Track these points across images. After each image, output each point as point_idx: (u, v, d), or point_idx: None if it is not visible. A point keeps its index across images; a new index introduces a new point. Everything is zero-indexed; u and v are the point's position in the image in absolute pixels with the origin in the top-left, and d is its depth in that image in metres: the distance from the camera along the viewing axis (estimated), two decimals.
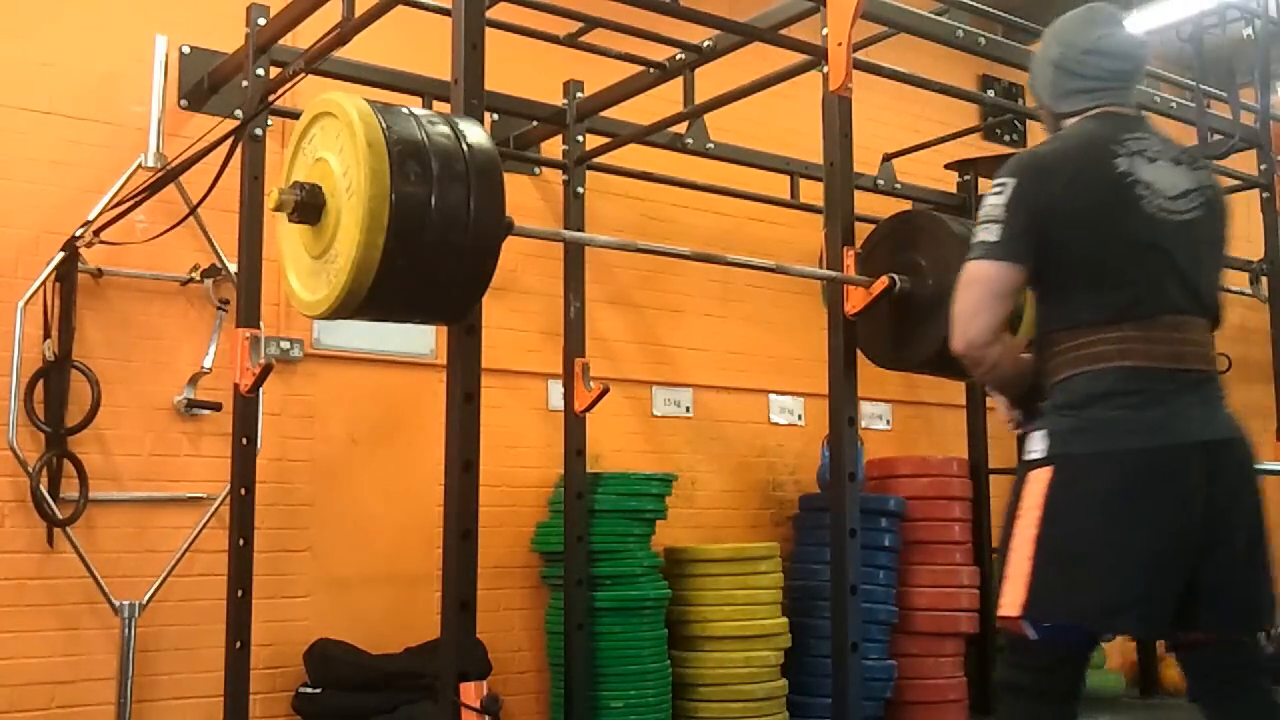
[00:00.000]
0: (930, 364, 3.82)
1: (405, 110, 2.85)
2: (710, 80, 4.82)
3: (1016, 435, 2.71)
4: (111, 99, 4.63)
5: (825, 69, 3.78)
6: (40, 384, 4.32)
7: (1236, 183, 6.16)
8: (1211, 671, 2.55)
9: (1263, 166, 5.90)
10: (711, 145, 5.60)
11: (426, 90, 4.64)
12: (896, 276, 3.65)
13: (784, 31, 4.31)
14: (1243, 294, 7.37)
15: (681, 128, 5.35)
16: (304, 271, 2.97)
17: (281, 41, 4.38)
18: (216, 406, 4.60)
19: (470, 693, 2.88)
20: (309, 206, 2.85)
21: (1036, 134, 7.43)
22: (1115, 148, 2.50)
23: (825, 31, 3.78)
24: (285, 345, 4.85)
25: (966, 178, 6.64)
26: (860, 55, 4.16)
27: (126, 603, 4.37)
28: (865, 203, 4.49)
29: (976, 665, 5.77)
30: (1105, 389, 2.43)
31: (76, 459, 4.35)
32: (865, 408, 6.25)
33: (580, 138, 5.31)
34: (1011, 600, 2.43)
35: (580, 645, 4.97)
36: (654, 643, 5.08)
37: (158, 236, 4.34)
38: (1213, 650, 2.53)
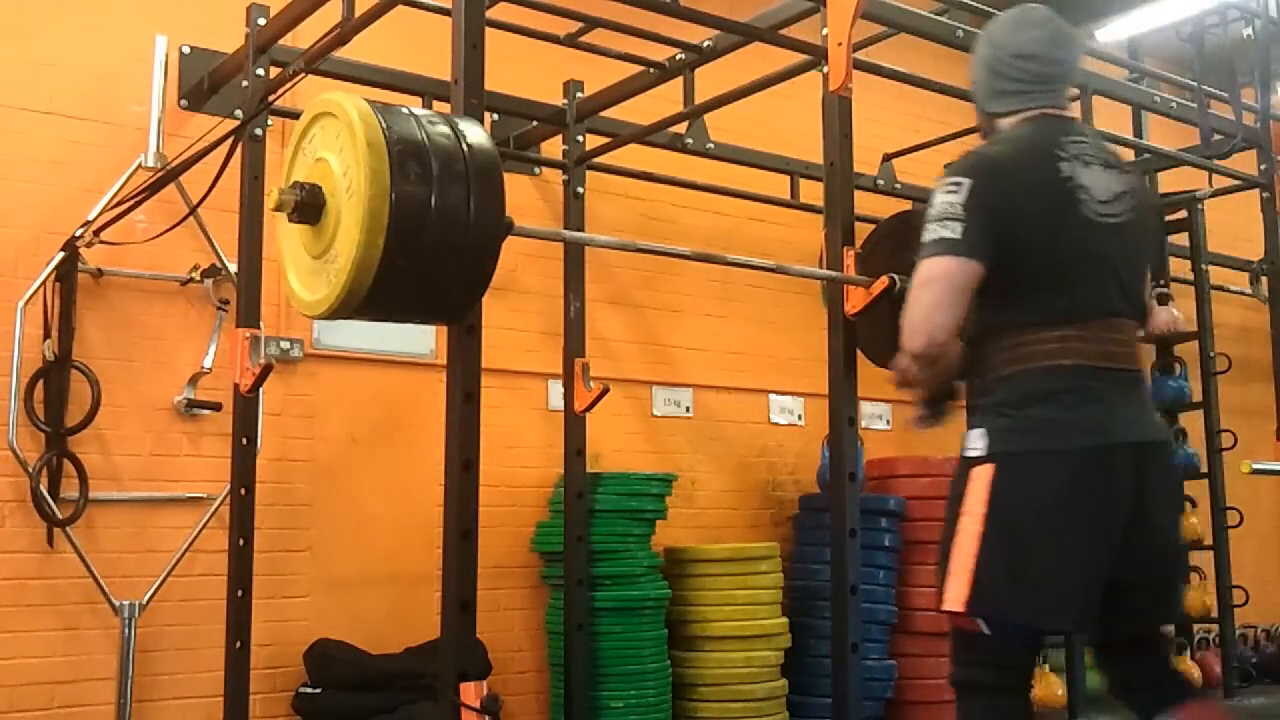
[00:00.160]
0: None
1: (405, 110, 2.84)
2: (710, 80, 4.82)
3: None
4: (111, 99, 4.63)
5: (825, 69, 3.78)
6: (40, 384, 4.32)
7: (1237, 183, 6.16)
8: (1134, 668, 2.61)
9: (1263, 166, 5.90)
10: (711, 145, 5.61)
11: (426, 90, 4.64)
12: (896, 276, 3.64)
13: (784, 31, 4.32)
14: (1243, 294, 7.39)
15: (681, 128, 5.35)
16: (304, 271, 2.97)
17: (281, 41, 4.38)
18: (216, 406, 4.60)
19: (470, 693, 2.88)
20: (309, 206, 2.84)
21: None
22: (1058, 151, 2.56)
23: (825, 31, 3.78)
24: (285, 345, 4.85)
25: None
26: (860, 55, 4.17)
27: (126, 603, 4.37)
28: (865, 203, 4.49)
29: None
30: (1045, 388, 2.48)
31: (76, 459, 4.35)
32: (865, 408, 6.25)
33: (580, 138, 5.31)
34: (955, 595, 2.47)
35: (580, 645, 4.97)
36: (654, 643, 5.08)
37: (158, 236, 4.34)
38: (1133, 648, 2.59)
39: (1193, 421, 6.90)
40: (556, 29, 4.78)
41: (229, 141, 3.96)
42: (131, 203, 4.19)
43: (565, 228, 5.26)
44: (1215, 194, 6.61)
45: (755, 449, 6.11)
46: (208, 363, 4.64)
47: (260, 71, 4.32)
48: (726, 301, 6.14)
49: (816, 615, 5.32)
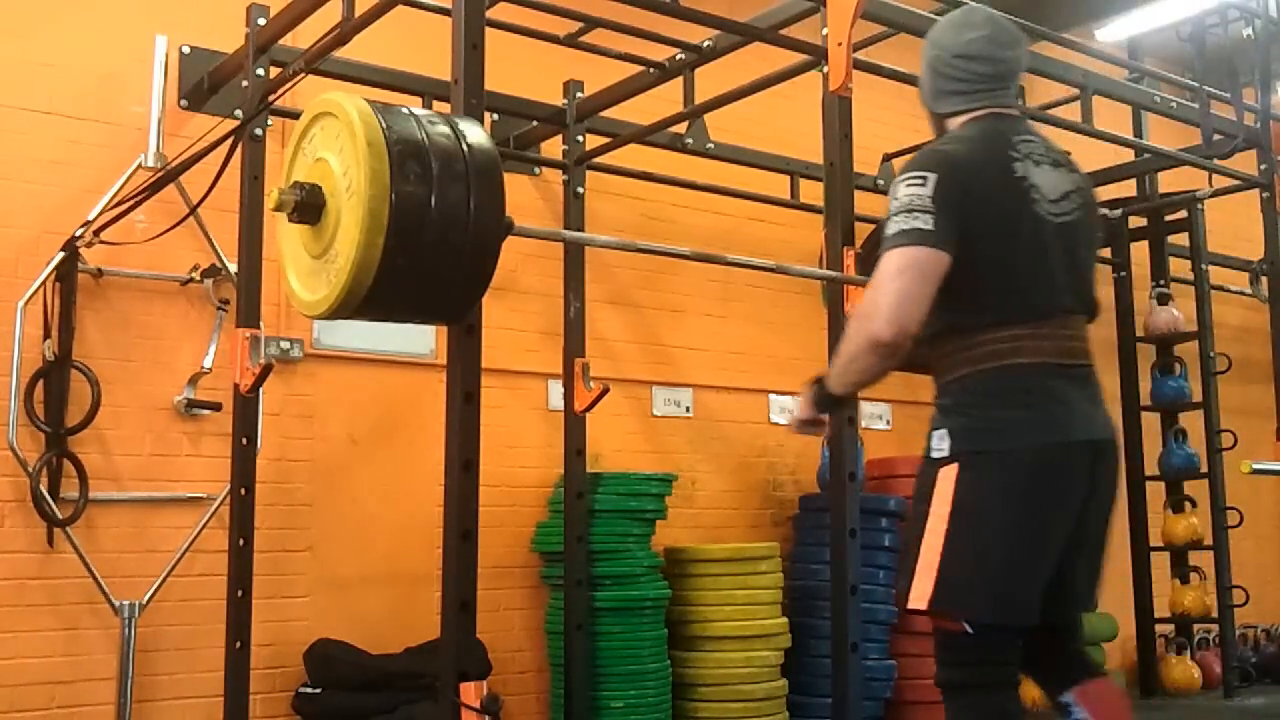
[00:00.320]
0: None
1: (405, 110, 2.84)
2: (710, 80, 4.82)
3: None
4: (111, 99, 4.63)
5: (825, 69, 3.78)
6: (40, 384, 4.32)
7: (1237, 183, 6.16)
8: (1049, 648, 2.64)
9: (1263, 166, 5.90)
10: (711, 145, 5.61)
11: (426, 90, 4.65)
12: None
13: (784, 31, 4.32)
14: (1243, 294, 7.39)
15: (681, 128, 5.36)
16: (304, 271, 2.97)
17: (281, 41, 4.39)
18: (216, 406, 4.60)
19: (470, 693, 2.88)
20: (309, 206, 2.84)
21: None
22: (1011, 151, 2.58)
23: (825, 31, 3.78)
24: (285, 345, 4.85)
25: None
26: (860, 55, 4.17)
27: (126, 603, 4.37)
28: (865, 203, 4.49)
29: None
30: (1006, 386, 2.51)
31: (76, 459, 4.35)
32: (865, 408, 6.25)
33: (580, 138, 5.31)
34: (920, 594, 2.49)
35: (580, 645, 4.97)
36: (654, 643, 5.08)
37: (158, 236, 4.34)
38: (1054, 631, 2.62)
39: (1193, 421, 6.90)
40: (556, 29, 4.78)
41: (229, 141, 3.96)
42: (131, 203, 4.19)
43: (565, 228, 5.26)
44: (1215, 194, 6.61)
45: (755, 449, 6.11)
46: (208, 363, 4.64)
47: (260, 71, 4.32)
48: (726, 301, 6.14)
49: (816, 615, 5.32)
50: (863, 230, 3.86)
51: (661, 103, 5.07)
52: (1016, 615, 2.48)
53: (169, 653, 4.50)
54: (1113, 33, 7.48)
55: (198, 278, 4.66)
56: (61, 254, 4.34)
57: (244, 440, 4.32)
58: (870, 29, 4.79)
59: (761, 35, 4.38)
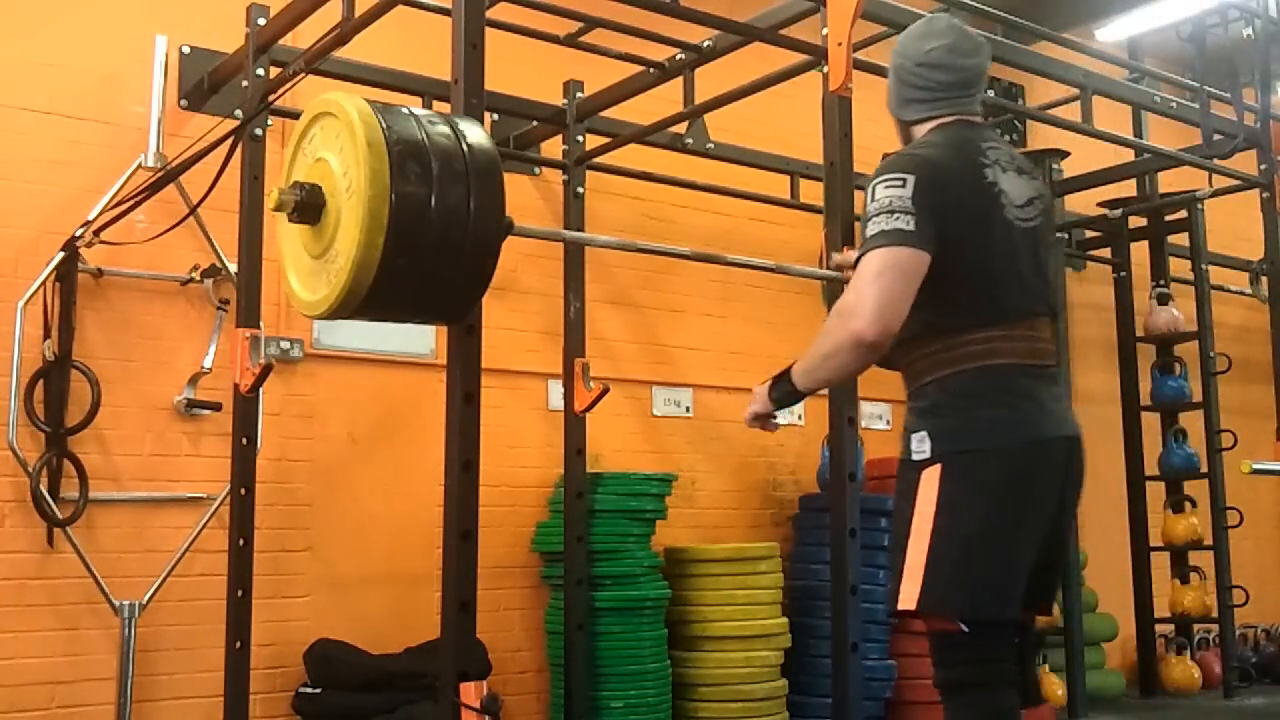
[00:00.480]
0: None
1: (405, 110, 2.84)
2: (710, 80, 4.82)
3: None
4: (111, 99, 4.63)
5: (825, 69, 3.78)
6: (40, 384, 4.32)
7: (1237, 183, 6.16)
8: (1023, 671, 2.77)
9: (1263, 166, 5.90)
10: (711, 145, 5.61)
11: (426, 90, 4.65)
12: None
13: (784, 31, 4.32)
14: (1243, 294, 7.39)
15: (681, 128, 5.36)
16: (304, 271, 2.97)
17: (281, 41, 4.39)
18: (216, 406, 4.60)
19: (470, 693, 2.88)
20: (309, 206, 2.84)
21: (1036, 134, 7.43)
22: (981, 157, 2.63)
23: (825, 31, 3.78)
24: (285, 345, 4.85)
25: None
26: (860, 55, 4.16)
27: (126, 603, 4.37)
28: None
29: None
30: (982, 387, 2.55)
31: (76, 459, 4.35)
32: (865, 408, 6.25)
33: (580, 138, 5.31)
34: (909, 595, 2.51)
35: (580, 645, 4.97)
36: (654, 643, 5.08)
37: (158, 236, 4.34)
38: (1022, 641, 2.75)
39: (1193, 421, 6.90)
40: (556, 29, 4.78)
41: (229, 141, 3.96)
42: (131, 203, 4.19)
43: (565, 228, 5.26)
44: (1215, 194, 6.62)
45: (755, 449, 6.11)
46: (208, 363, 4.64)
47: (260, 71, 4.32)
48: (726, 301, 6.14)
49: (816, 615, 5.32)
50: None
51: (661, 103, 5.07)
52: (1000, 611, 2.51)
53: (169, 653, 4.50)
54: (1113, 33, 7.48)
55: (198, 278, 4.66)
56: (61, 254, 4.34)
57: (244, 440, 4.31)
58: (870, 29, 4.79)
59: (761, 35, 4.38)
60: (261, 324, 4.33)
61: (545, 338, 5.40)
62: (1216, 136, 5.77)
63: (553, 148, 5.46)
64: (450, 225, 2.74)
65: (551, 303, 5.31)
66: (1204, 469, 6.77)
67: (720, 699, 5.14)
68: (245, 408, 4.34)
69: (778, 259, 3.98)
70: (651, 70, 4.91)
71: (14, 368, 4.28)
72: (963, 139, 2.67)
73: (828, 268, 3.52)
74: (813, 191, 5.59)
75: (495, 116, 5.25)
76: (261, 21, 4.31)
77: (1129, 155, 7.10)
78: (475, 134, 2.87)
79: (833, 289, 3.76)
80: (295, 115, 4.10)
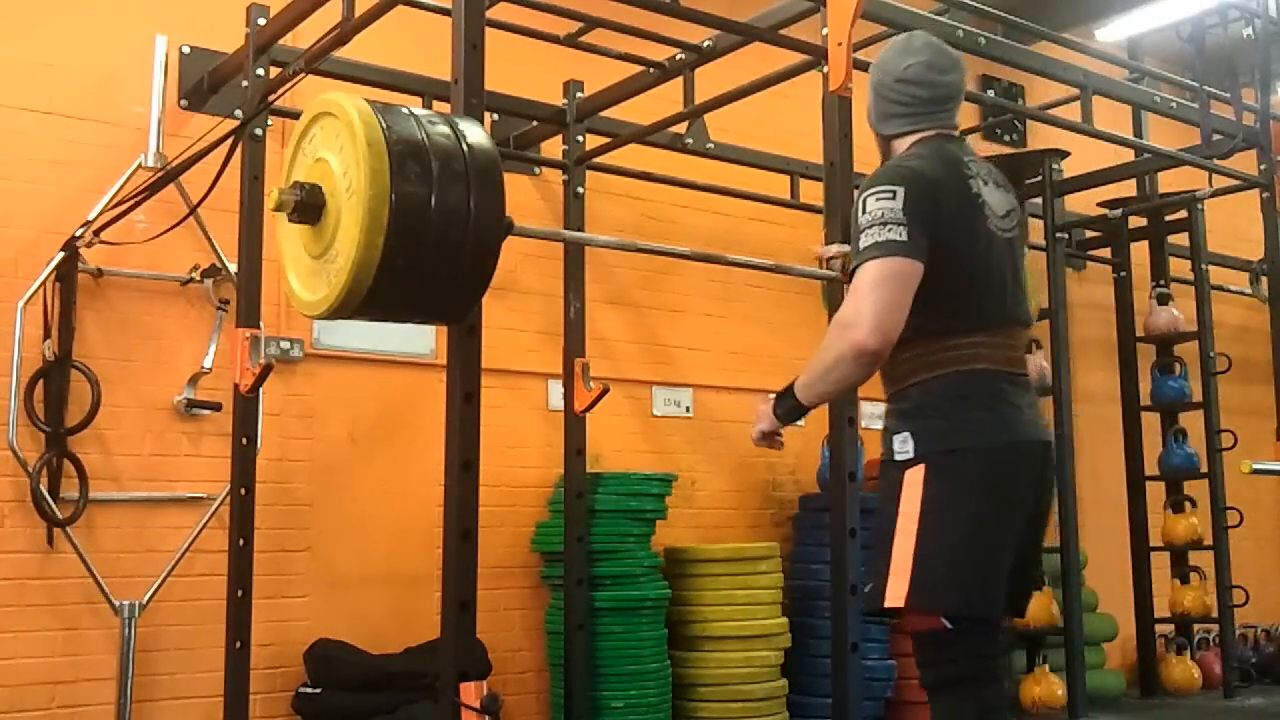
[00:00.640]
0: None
1: (405, 110, 2.85)
2: (710, 80, 4.82)
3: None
4: (111, 99, 4.63)
5: (825, 69, 3.78)
6: (40, 384, 4.32)
7: (1237, 183, 6.16)
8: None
9: (1263, 166, 5.90)
10: (711, 145, 5.61)
11: (426, 90, 4.65)
12: None
13: (784, 31, 4.32)
14: (1243, 294, 7.39)
15: (681, 128, 5.35)
16: (304, 271, 2.97)
17: (281, 41, 4.39)
18: (216, 406, 4.60)
19: (470, 693, 2.88)
20: (309, 206, 2.84)
21: (1036, 134, 7.43)
22: (964, 170, 2.70)
23: (825, 31, 3.78)
24: (285, 345, 4.85)
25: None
26: (860, 55, 4.16)
27: (126, 603, 4.37)
28: None
29: None
30: (964, 390, 2.61)
31: (76, 459, 4.35)
32: (865, 408, 6.24)
33: (580, 138, 5.31)
34: (896, 593, 2.55)
35: (580, 645, 4.97)
36: (654, 643, 5.08)
37: (158, 236, 4.34)
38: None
39: (1193, 421, 6.90)
40: (556, 29, 4.78)
41: (229, 141, 3.96)
42: (131, 203, 4.19)
43: (565, 228, 5.26)
44: (1215, 194, 6.62)
45: (755, 449, 6.05)
46: (208, 363, 4.64)
47: (260, 71, 4.32)
48: (726, 301, 6.14)
49: (816, 615, 5.32)
50: None
51: (661, 103, 5.07)
52: (987, 608, 2.57)
53: (169, 653, 4.50)
54: (1113, 33, 7.47)
55: (198, 278, 4.66)
56: (61, 254, 4.34)
57: (244, 440, 4.32)
58: (870, 29, 4.79)
59: (761, 35, 4.38)
60: (261, 324, 4.33)
61: (545, 338, 5.39)
62: (1216, 136, 5.77)
63: (553, 148, 5.46)
64: (450, 225, 2.74)
65: (551, 303, 5.31)
66: (1204, 469, 6.77)
67: (720, 699, 5.14)
68: (245, 408, 4.34)
69: (778, 259, 3.98)
70: (651, 70, 4.91)
71: (14, 368, 4.28)
72: (946, 152, 2.73)
73: (824, 267, 3.53)
74: (813, 191, 5.60)
75: (495, 116, 5.25)
76: (261, 21, 4.32)
77: (1129, 155, 7.10)
78: (475, 134, 2.87)
79: (833, 289, 3.77)
80: (295, 115, 4.10)
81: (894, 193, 2.56)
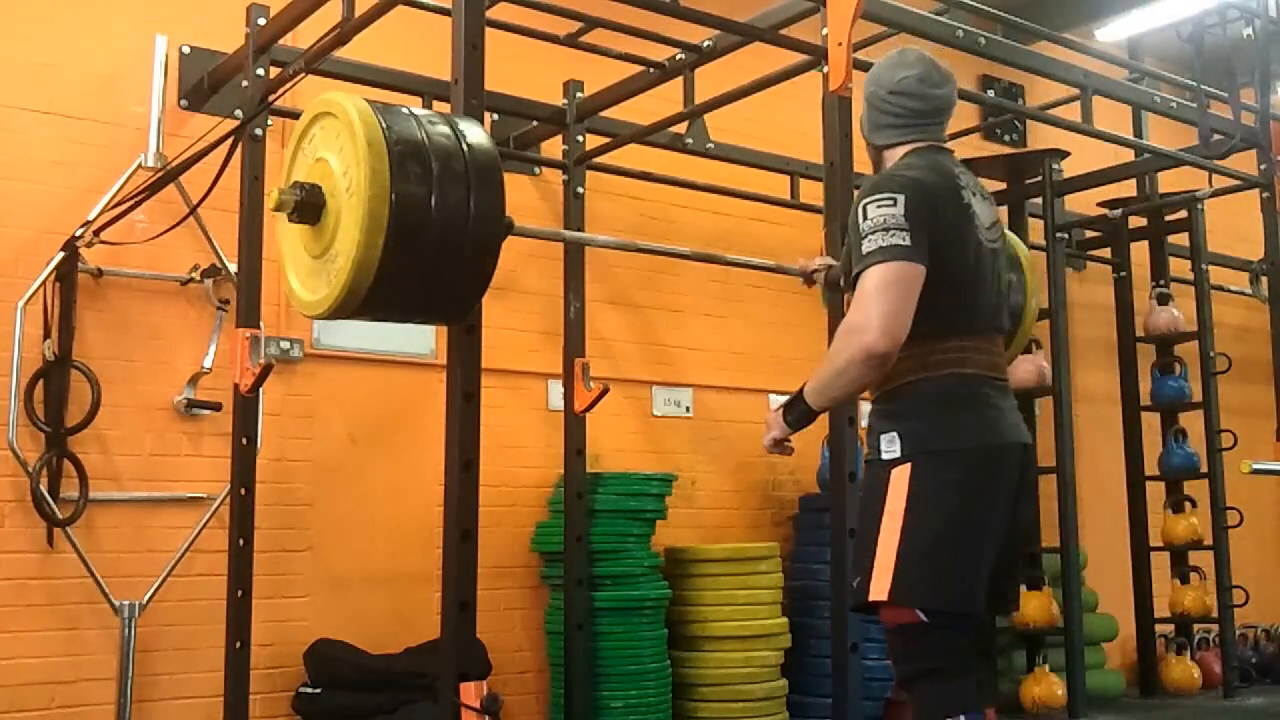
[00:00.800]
0: None
1: (405, 110, 2.85)
2: (710, 80, 4.82)
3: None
4: (111, 99, 4.63)
5: (825, 69, 3.78)
6: (40, 384, 4.32)
7: (1237, 183, 6.16)
8: (983, 670, 2.79)
9: (1263, 166, 5.90)
10: (711, 145, 5.61)
11: (426, 90, 4.65)
12: None
13: (784, 31, 4.32)
14: (1243, 294, 7.39)
15: (681, 128, 5.35)
16: (304, 271, 2.97)
17: (281, 41, 4.39)
18: (216, 406, 4.60)
19: (470, 693, 2.88)
20: (309, 206, 2.85)
21: (1036, 134, 7.43)
22: (956, 181, 2.77)
23: (825, 31, 3.78)
24: (285, 345, 4.85)
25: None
26: (860, 55, 4.16)
27: (126, 603, 4.37)
28: None
29: None
30: (950, 393, 2.69)
31: (76, 459, 4.35)
32: (865, 407, 6.24)
33: (580, 138, 5.31)
34: (880, 587, 2.62)
35: (580, 645, 4.97)
36: (654, 643, 5.08)
37: (158, 236, 4.34)
38: (981, 641, 2.79)
39: (1193, 421, 6.90)
40: (556, 29, 4.78)
41: (229, 141, 3.96)
42: (131, 203, 4.19)
43: (565, 228, 5.26)
44: (1215, 194, 6.61)
45: (755, 449, 6.05)
46: (208, 363, 4.64)
47: (260, 71, 4.32)
48: (726, 301, 6.14)
49: (816, 615, 5.32)
50: None
51: (661, 103, 5.07)
52: (969, 603, 2.63)
53: (169, 653, 4.50)
54: (1113, 33, 7.48)
55: (198, 278, 4.66)
56: (61, 254, 4.34)
57: (244, 440, 4.32)
58: (870, 29, 4.79)
59: (761, 35, 4.38)
60: (261, 324, 4.34)
61: (545, 338, 5.40)
62: (1215, 136, 5.77)
63: (553, 148, 5.46)
64: (450, 225, 2.74)
65: (551, 303, 5.31)
66: (1204, 469, 6.77)
67: (720, 699, 5.14)
68: (245, 408, 4.34)
69: (778, 259, 3.99)
70: (651, 70, 4.91)
71: (14, 368, 4.28)
72: (939, 163, 2.80)
73: (809, 279, 3.57)
74: (813, 191, 5.59)
75: (495, 116, 5.25)
76: (261, 21, 4.32)
77: (1129, 155, 7.10)
78: (475, 134, 2.87)
79: (833, 295, 3.77)
80: (295, 115, 4.10)
81: (895, 199, 2.63)
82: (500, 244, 2.85)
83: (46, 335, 4.31)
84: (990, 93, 7.10)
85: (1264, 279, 6.05)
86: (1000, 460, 2.69)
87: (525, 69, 4.96)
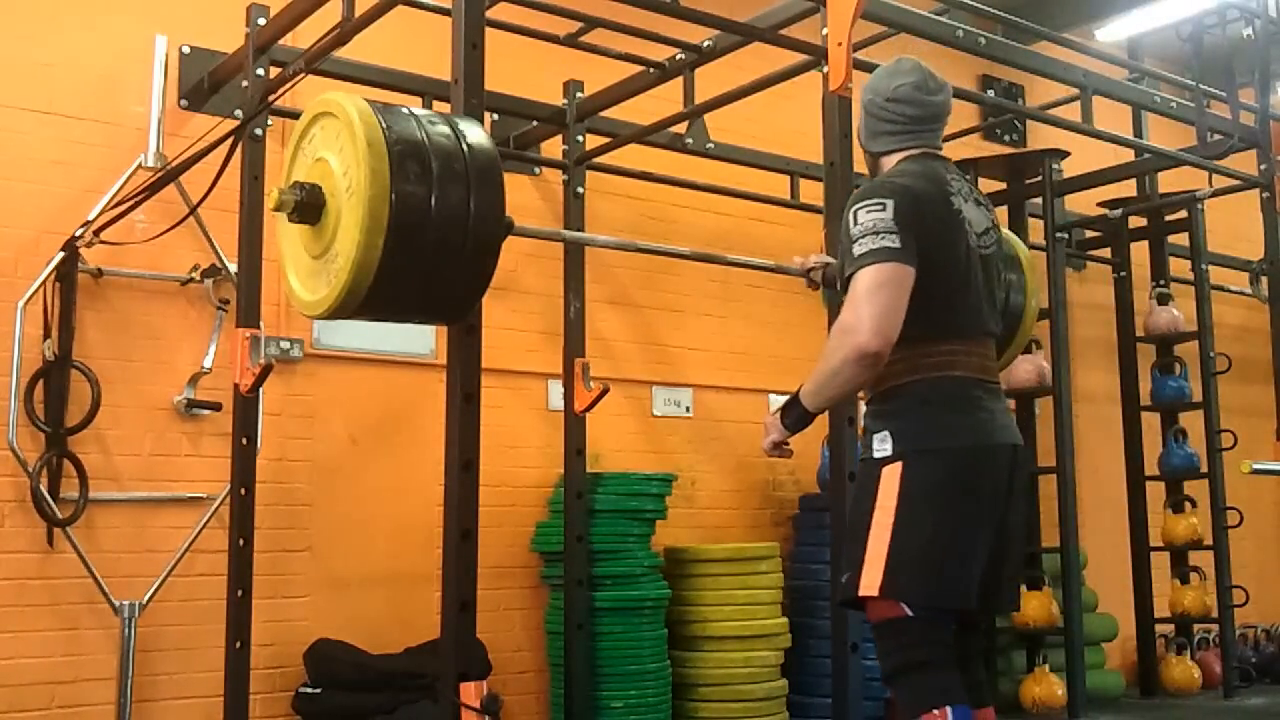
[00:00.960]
0: None
1: (405, 110, 2.85)
2: (710, 80, 4.82)
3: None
4: (111, 99, 4.63)
5: (825, 69, 3.78)
6: (40, 384, 4.32)
7: (1237, 183, 6.16)
8: (965, 648, 2.82)
9: (1263, 166, 5.90)
10: (711, 145, 5.61)
11: (426, 90, 4.65)
12: None
13: (784, 31, 4.32)
14: (1243, 294, 7.39)
15: (681, 128, 5.35)
16: (304, 271, 2.97)
17: (281, 41, 4.39)
18: (216, 406, 4.60)
19: (470, 693, 2.88)
20: (309, 206, 2.85)
21: (1036, 134, 7.43)
22: (947, 187, 2.82)
23: (825, 31, 3.78)
24: (285, 345, 4.85)
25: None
26: (860, 55, 4.16)
27: (126, 603, 4.37)
28: None
29: None
30: (941, 394, 2.74)
31: (76, 459, 4.35)
32: (864, 407, 6.25)
33: (580, 138, 5.31)
34: (870, 582, 2.67)
35: (580, 645, 4.97)
36: (654, 643, 5.08)
37: (158, 236, 4.34)
38: (968, 630, 2.85)
39: (1193, 421, 6.90)
40: (556, 29, 4.78)
41: (229, 141, 3.96)
42: (131, 203, 4.19)
43: (565, 228, 5.26)
44: (1215, 194, 6.62)
45: (755, 449, 6.04)
46: (208, 363, 4.64)
47: (260, 71, 4.32)
48: (726, 301, 6.14)
49: (816, 615, 5.32)
50: None
51: (661, 103, 5.07)
52: (959, 599, 2.67)
53: (169, 653, 4.50)
54: (1113, 33, 7.48)
55: (198, 278, 4.66)
56: (61, 254, 4.34)
57: (244, 440, 4.32)
58: (870, 29, 4.79)
59: (761, 35, 4.38)
60: (261, 324, 4.34)
61: (545, 338, 5.40)
62: (1215, 136, 5.77)
63: (553, 148, 5.46)
64: (450, 225, 2.74)
65: (551, 303, 5.31)
66: (1204, 469, 6.76)
67: (720, 699, 5.14)
68: (245, 408, 4.34)
69: (777, 259, 3.98)
70: (651, 70, 4.91)
71: (14, 368, 4.28)
72: (931, 170, 2.84)
73: (806, 276, 3.57)
74: (813, 191, 5.60)
75: (495, 116, 5.25)
76: (261, 21, 4.32)
77: (1129, 155, 7.10)
78: (475, 134, 2.87)
79: (831, 293, 3.77)
80: (295, 115, 4.10)
81: (884, 205, 2.68)
82: (500, 244, 2.85)
83: (46, 335, 4.31)
84: (990, 93, 7.10)
85: (1264, 279, 6.05)
86: (990, 461, 2.74)
87: (525, 69, 4.96)
